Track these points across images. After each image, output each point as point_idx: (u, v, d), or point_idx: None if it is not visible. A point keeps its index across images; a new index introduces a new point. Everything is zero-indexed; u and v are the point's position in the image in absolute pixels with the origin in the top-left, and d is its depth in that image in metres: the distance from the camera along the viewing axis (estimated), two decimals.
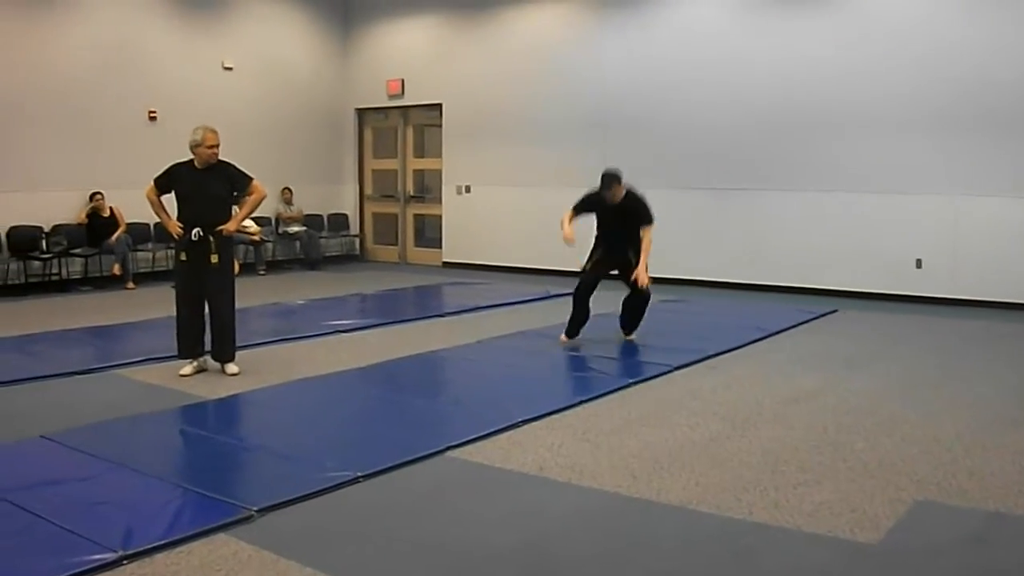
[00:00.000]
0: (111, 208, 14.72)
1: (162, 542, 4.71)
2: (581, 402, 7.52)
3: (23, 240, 14.16)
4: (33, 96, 14.21)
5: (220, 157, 8.54)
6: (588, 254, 9.95)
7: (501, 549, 4.73)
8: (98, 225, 14.64)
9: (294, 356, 9.37)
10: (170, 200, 8.64)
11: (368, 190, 18.83)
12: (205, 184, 8.47)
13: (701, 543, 4.82)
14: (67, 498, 5.31)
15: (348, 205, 18.82)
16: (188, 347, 8.64)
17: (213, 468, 6.06)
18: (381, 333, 10.61)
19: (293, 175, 17.38)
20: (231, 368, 8.59)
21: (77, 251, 14.53)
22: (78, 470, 5.89)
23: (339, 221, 18.58)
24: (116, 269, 14.61)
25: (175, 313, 8.76)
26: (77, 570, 4.39)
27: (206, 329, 8.65)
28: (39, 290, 14.09)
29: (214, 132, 8.45)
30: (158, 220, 8.93)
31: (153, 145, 14.51)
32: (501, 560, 4.60)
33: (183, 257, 8.58)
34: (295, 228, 17.31)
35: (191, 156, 8.49)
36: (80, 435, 6.59)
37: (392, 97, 17.96)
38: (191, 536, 4.81)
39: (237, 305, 8.74)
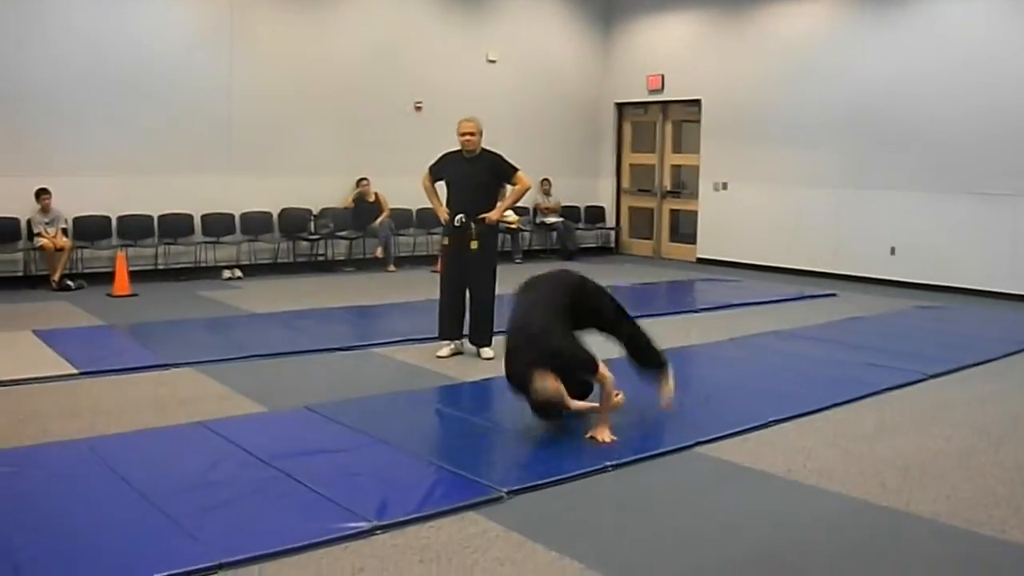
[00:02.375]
0: (376, 193, 15.22)
1: (414, 516, 4.87)
2: (833, 406, 7.33)
3: (293, 221, 14.84)
4: (310, 88, 14.90)
5: (487, 147, 8.76)
6: None
7: (743, 550, 4.68)
8: (363, 209, 15.16)
9: None
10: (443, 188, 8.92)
11: (625, 184, 18.85)
12: (471, 173, 8.71)
13: (947, 559, 4.65)
14: (327, 467, 5.55)
15: (605, 198, 18.89)
16: (448, 329, 8.85)
17: (466, 448, 6.19)
18: None
19: (552, 167, 17.55)
20: (487, 352, 8.75)
21: (343, 233, 15.10)
22: (338, 442, 6.13)
23: (595, 213, 18.67)
24: (379, 252, 15.11)
25: (438, 295, 9.00)
26: (335, 535, 4.60)
27: (466, 313, 8.85)
28: (306, 269, 14.73)
29: (469, 121, 8.69)
30: (424, 206, 9.18)
31: (417, 135, 14.94)
32: (742, 561, 4.55)
33: (446, 242, 8.84)
34: (552, 219, 17.49)
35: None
36: (340, 408, 6.87)
37: (651, 92, 17.92)
38: (442, 512, 4.95)
39: (496, 291, 8.89)
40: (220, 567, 4.25)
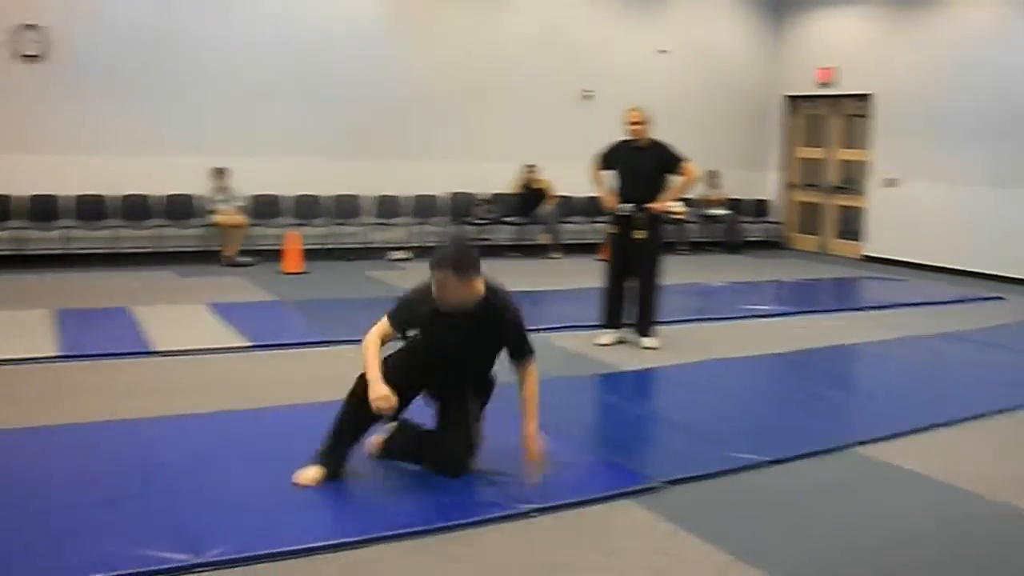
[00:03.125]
0: (543, 180, 15.32)
1: (571, 500, 4.96)
2: (998, 412, 7.15)
3: (461, 206, 15.06)
4: (480, 74, 15.07)
5: (655, 138, 8.78)
6: None
7: (899, 554, 4.64)
8: (530, 196, 15.28)
9: (710, 336, 9.47)
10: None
11: (792, 178, 18.61)
12: (639, 162, 8.74)
13: None
14: (486, 448, 5.62)
15: (771, 192, 18.68)
16: (611, 317, 8.91)
17: (623, 437, 6.25)
18: (797, 321, 10.49)
19: (718, 158, 17.40)
20: (649, 342, 8.78)
21: (509, 219, 15.24)
22: (496, 424, 6.21)
23: (761, 207, 18.49)
24: (544, 238, 15.23)
25: (602, 284, 9.06)
26: (493, 515, 4.74)
27: (629, 302, 8.89)
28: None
29: (637, 110, 8.74)
30: (591, 194, 9.24)
31: (586, 123, 14.96)
32: (895, 565, 4.52)
33: (613, 231, 8.90)
34: (718, 211, 17.37)
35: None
36: (500, 391, 6.93)
37: (822, 86, 17.63)
38: (598, 498, 5.03)
39: (661, 282, 8.92)
40: (376, 540, 4.44)
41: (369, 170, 14.41)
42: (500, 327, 5.23)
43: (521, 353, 5.23)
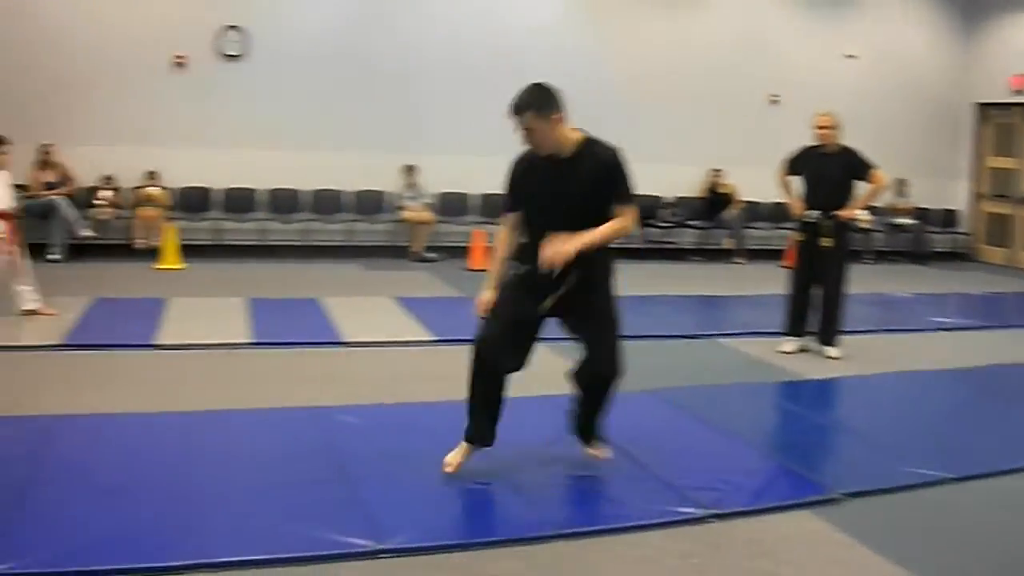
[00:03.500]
0: (728, 185, 15.24)
1: (748, 508, 4.96)
2: None
3: (646, 208, 15.04)
4: (668, 77, 15.06)
5: (844, 143, 8.66)
6: None
7: None
8: (715, 200, 15.22)
9: (894, 347, 9.30)
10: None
11: (982, 188, 18.06)
12: (827, 168, 8.62)
13: None
14: (665, 452, 5.71)
15: (959, 202, 18.17)
16: (794, 325, 8.83)
17: (803, 446, 6.21)
18: (984, 336, 10.19)
19: (905, 166, 16.98)
20: (832, 351, 8.68)
21: (693, 223, 15.21)
22: (678, 427, 6.29)
23: (949, 217, 18.00)
24: (728, 243, 15.16)
25: (786, 290, 8.99)
26: (667, 519, 4.78)
27: (813, 310, 8.81)
28: (655, 255, 14.92)
29: (825, 115, 8.61)
30: (776, 200, 9.17)
31: (773, 128, 14.81)
32: None
33: (799, 237, 8.82)
34: (905, 220, 17.00)
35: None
36: (682, 394, 7.02)
37: (1016, 93, 17.07)
38: (776, 508, 5.02)
39: (846, 290, 8.80)
40: (556, 536, 4.52)
41: None
42: (605, 169, 5.11)
43: (623, 200, 5.09)
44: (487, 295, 5.24)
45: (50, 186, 12.71)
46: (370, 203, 13.95)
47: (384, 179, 13.78)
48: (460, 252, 13.53)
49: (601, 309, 5.32)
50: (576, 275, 5.07)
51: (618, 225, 5.03)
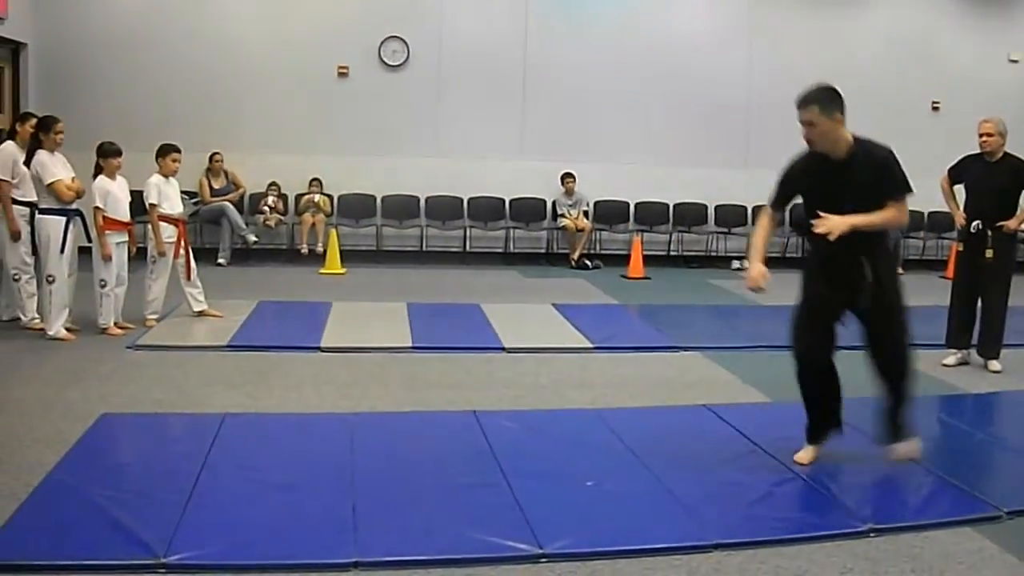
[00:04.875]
0: None
1: (909, 523, 4.85)
2: None
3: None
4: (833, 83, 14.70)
5: (1011, 152, 8.41)
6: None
7: None
8: None
9: None
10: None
11: None
12: (991, 177, 8.35)
13: None
14: (825, 464, 5.60)
15: None
16: (956, 338, 8.61)
17: (965, 461, 6.04)
18: None
19: None
20: (994, 365, 8.44)
21: None
22: (837, 439, 6.14)
23: None
24: None
25: (949, 303, 8.74)
26: (829, 532, 4.70)
27: (975, 322, 8.60)
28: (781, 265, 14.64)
29: (989, 121, 8.30)
30: (937, 209, 8.97)
31: (935, 135, 14.46)
32: None
33: (960, 248, 8.60)
34: None
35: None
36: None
37: None
38: (937, 524, 4.89)
39: (1009, 303, 8.56)
40: (716, 547, 4.49)
41: (714, 179, 14.46)
42: (880, 168, 5.48)
43: (898, 191, 5.47)
44: (755, 269, 5.52)
45: (218, 193, 13.15)
46: (529, 211, 14.07)
47: (543, 187, 13.89)
48: (617, 260, 13.56)
49: (890, 304, 5.69)
50: (868, 265, 5.46)
51: (889, 215, 5.35)
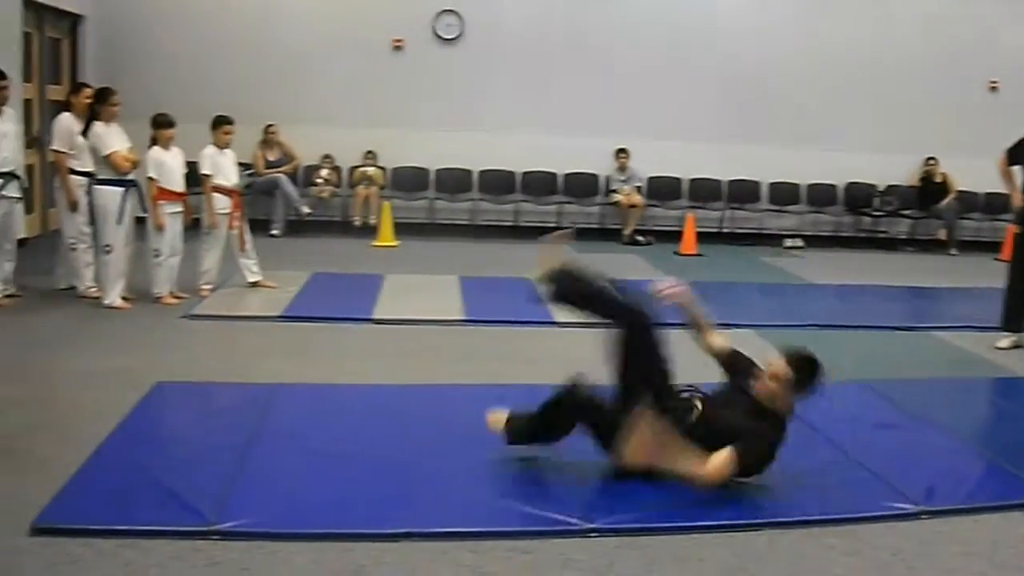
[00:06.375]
0: (943, 174, 14.74)
1: (960, 506, 4.83)
2: None
3: (858, 196, 14.75)
4: (876, 64, 14.49)
5: None
6: None
7: None
8: (929, 189, 14.75)
9: None
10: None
11: None
12: None
13: None
14: (878, 445, 5.60)
15: None
16: (1011, 320, 8.50)
17: (1018, 445, 5.96)
18: None
19: None
20: None
21: (906, 212, 14.80)
22: (890, 420, 6.15)
23: None
24: (942, 234, 14.68)
25: (1004, 285, 8.61)
26: (879, 513, 4.68)
27: None
28: (866, 245, 14.62)
29: None
30: (993, 190, 8.84)
31: (992, 116, 14.20)
32: None
33: (1018, 230, 8.47)
34: None
35: None
36: (894, 387, 6.83)
37: None
38: (989, 507, 4.86)
39: None
40: (767, 525, 4.50)
41: (766, 156, 14.36)
42: None
43: None
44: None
45: (273, 164, 13.22)
46: (582, 185, 14.06)
47: (596, 162, 13.87)
48: (670, 236, 13.53)
49: None
50: None
51: None
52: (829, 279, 11.41)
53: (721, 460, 4.68)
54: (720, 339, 5.42)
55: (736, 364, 5.29)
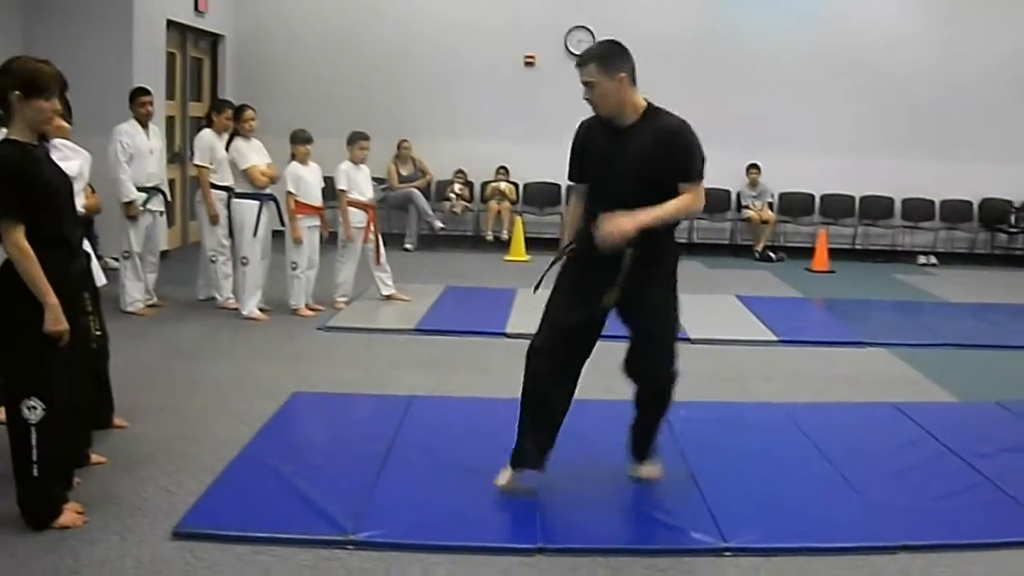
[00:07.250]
0: None
1: None
2: None
3: (993, 212, 14.32)
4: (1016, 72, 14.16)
5: None
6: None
7: None
8: None
9: None
10: None
11: None
12: None
13: None
14: (1014, 467, 5.40)
15: None
16: None
17: None
18: None
19: None
20: None
21: None
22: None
23: None
24: None
25: None
26: (1012, 539, 4.52)
27: None
28: (1003, 262, 14.16)
29: None
30: None
31: None
32: None
33: None
34: None
35: None
36: None
37: None
38: None
39: None
40: (902, 548, 4.37)
41: (900, 172, 14.05)
42: (668, 139, 4.56)
43: (687, 175, 4.56)
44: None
45: (406, 179, 13.39)
46: (713, 201, 13.91)
47: (727, 177, 13.74)
48: (801, 252, 13.35)
49: (657, 301, 4.78)
50: (632, 255, 4.56)
51: (683, 203, 4.53)
52: (964, 297, 11.12)
53: (692, 192, 4.56)
54: None
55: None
